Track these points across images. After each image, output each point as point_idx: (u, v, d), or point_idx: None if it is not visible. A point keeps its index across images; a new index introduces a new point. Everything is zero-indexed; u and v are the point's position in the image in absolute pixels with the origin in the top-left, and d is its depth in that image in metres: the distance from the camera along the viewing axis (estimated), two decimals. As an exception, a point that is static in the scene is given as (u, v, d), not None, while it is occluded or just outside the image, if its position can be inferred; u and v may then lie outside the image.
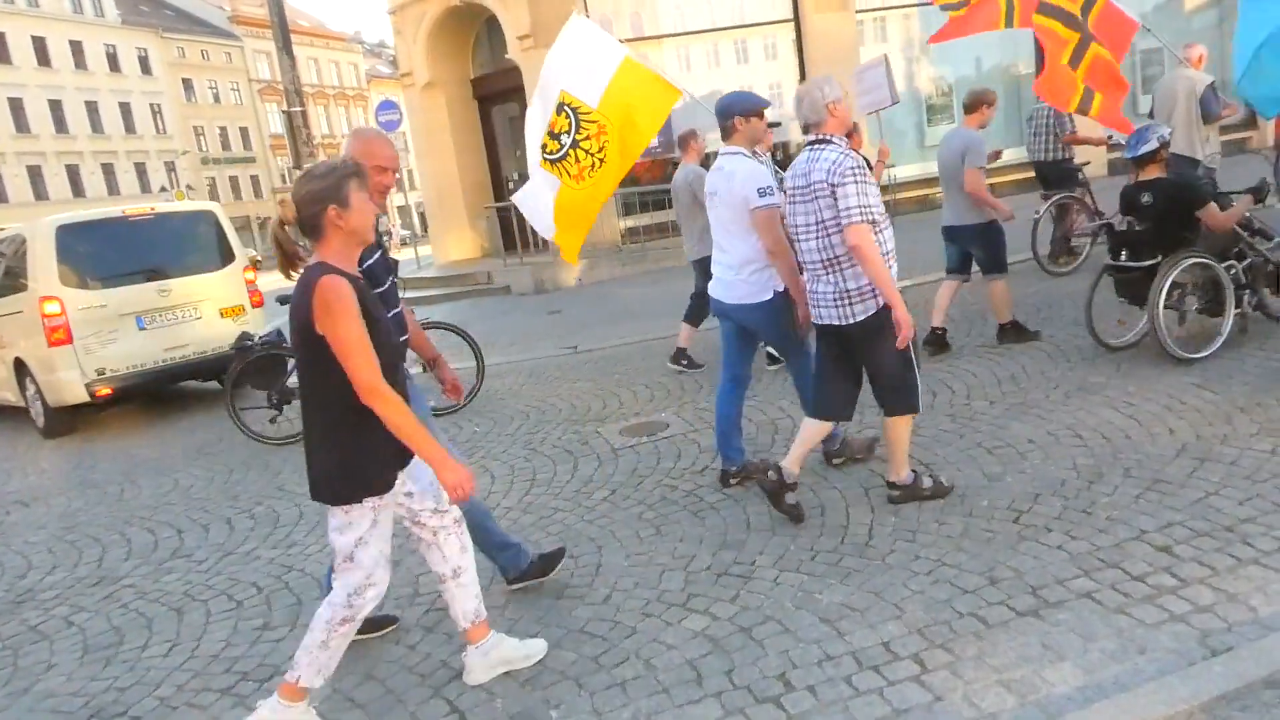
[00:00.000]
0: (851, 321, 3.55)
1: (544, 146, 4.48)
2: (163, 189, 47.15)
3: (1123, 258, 5.22)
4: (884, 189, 5.99)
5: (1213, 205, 4.94)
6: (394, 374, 2.55)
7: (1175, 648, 2.58)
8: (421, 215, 39.73)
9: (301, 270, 2.57)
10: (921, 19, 14.18)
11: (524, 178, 14.37)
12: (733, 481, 4.26)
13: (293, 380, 6.53)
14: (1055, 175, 7.97)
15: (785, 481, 3.71)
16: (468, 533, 2.96)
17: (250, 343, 6.55)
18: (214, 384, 8.82)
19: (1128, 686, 2.43)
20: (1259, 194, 5.11)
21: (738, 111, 4.02)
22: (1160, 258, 5.00)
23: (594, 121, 4.38)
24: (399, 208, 62.64)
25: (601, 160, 4.46)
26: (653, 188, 13.35)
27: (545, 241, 12.81)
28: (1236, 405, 4.30)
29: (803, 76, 13.44)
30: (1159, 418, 4.28)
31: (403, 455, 2.62)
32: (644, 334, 8.08)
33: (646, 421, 5.52)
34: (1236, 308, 5.10)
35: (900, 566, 3.25)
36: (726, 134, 4.06)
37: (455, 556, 2.87)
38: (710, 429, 5.16)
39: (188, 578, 4.15)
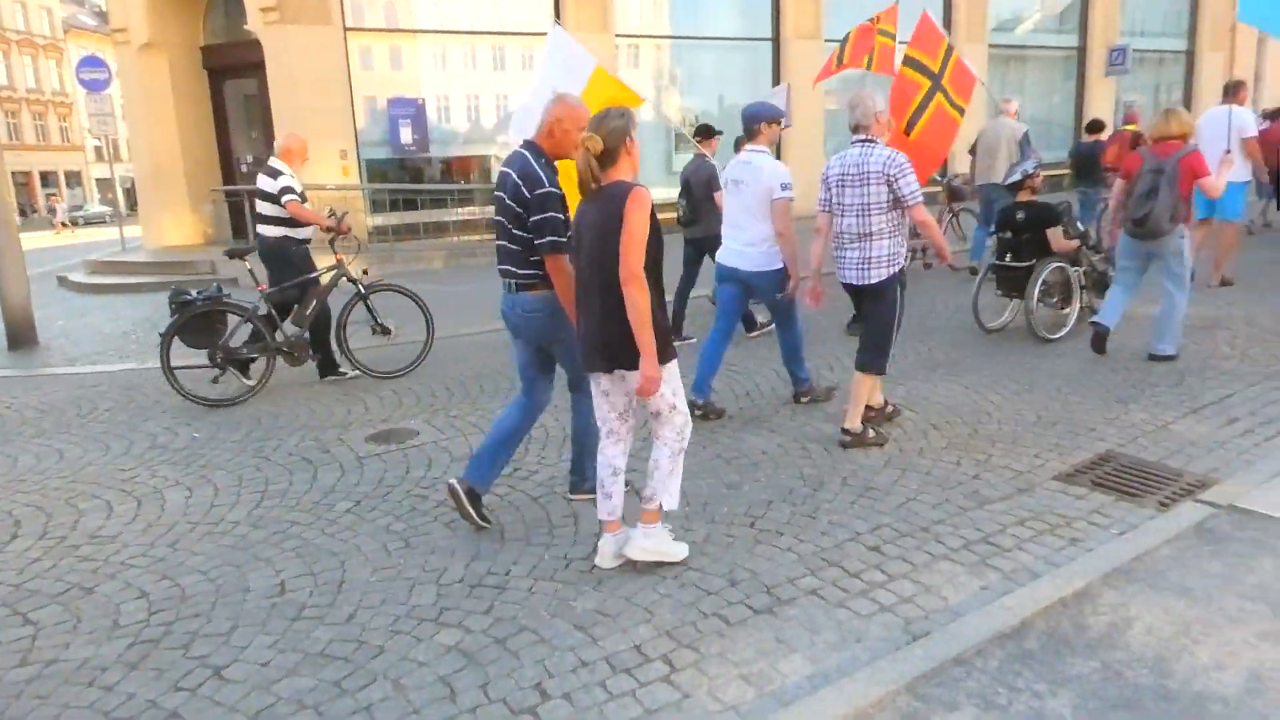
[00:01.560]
0: (867, 283, 4.51)
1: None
2: None
3: (1007, 259, 6.70)
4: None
5: (1059, 229, 6.51)
6: (659, 268, 3.24)
7: (885, 635, 2.91)
8: (129, 191, 35.28)
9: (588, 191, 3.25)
10: (673, 49, 14.93)
11: (259, 161, 13.26)
12: (697, 413, 5.10)
13: (235, 339, 6.21)
14: None
15: (864, 437, 4.60)
16: None
17: (189, 297, 5.93)
18: None
19: (847, 672, 2.69)
20: (1085, 238, 6.90)
21: (763, 118, 5.01)
22: (1035, 261, 6.52)
23: None
24: (99, 180, 55.27)
25: None
26: (404, 186, 12.88)
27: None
28: (930, 422, 4.95)
29: (559, 91, 13.65)
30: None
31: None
32: (392, 338, 7.73)
33: (395, 429, 5.29)
34: (1081, 304, 6.80)
35: (650, 572, 3.37)
36: (752, 135, 5.03)
37: None
38: (462, 436, 5.07)
39: None
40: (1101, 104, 18.95)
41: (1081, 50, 19.29)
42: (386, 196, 12.62)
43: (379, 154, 12.86)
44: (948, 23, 17.02)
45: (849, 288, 4.65)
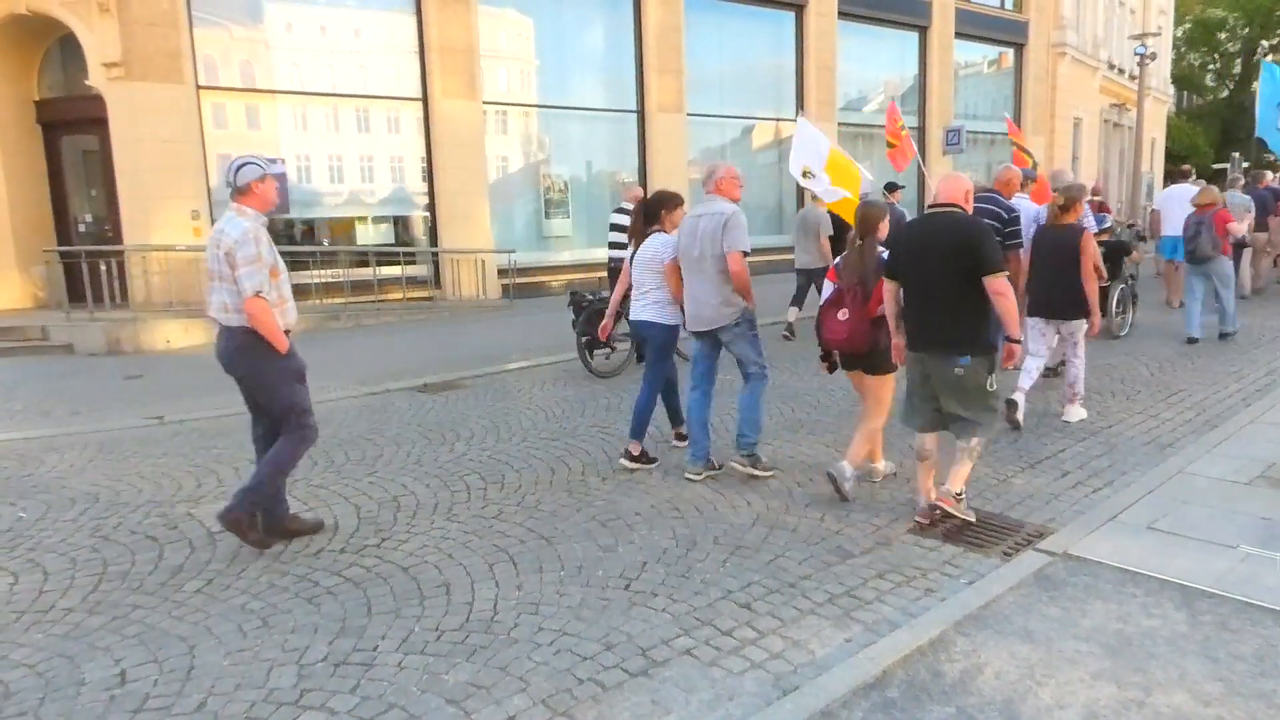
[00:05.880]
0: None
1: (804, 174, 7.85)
2: None
3: None
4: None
5: (1134, 254, 10.02)
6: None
7: (756, 691, 2.97)
8: (-54, 251, 32.24)
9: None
10: (540, 118, 15.22)
11: (98, 220, 12.49)
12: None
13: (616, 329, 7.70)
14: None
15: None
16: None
17: (588, 299, 8.38)
18: None
19: (722, 732, 2.73)
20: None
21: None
22: (1110, 281, 8.68)
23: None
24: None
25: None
26: (295, 248, 12.43)
27: (125, 294, 11.23)
28: (795, 480, 5.14)
29: (428, 154, 13.62)
30: (738, 492, 4.95)
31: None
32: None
33: (251, 501, 5.01)
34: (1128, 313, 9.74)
35: (525, 640, 3.33)
36: (893, 190, 9.30)
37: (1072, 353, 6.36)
38: (326, 506, 4.86)
39: None
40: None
41: (921, 130, 20.96)
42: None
43: (235, 214, 12.38)
44: (801, 101, 18.19)
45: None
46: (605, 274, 10.03)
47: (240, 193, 4.13)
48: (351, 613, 3.60)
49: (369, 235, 13.62)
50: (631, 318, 5.62)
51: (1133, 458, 5.41)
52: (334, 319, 11.99)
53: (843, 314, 4.68)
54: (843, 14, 18.53)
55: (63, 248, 12.06)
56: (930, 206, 4.41)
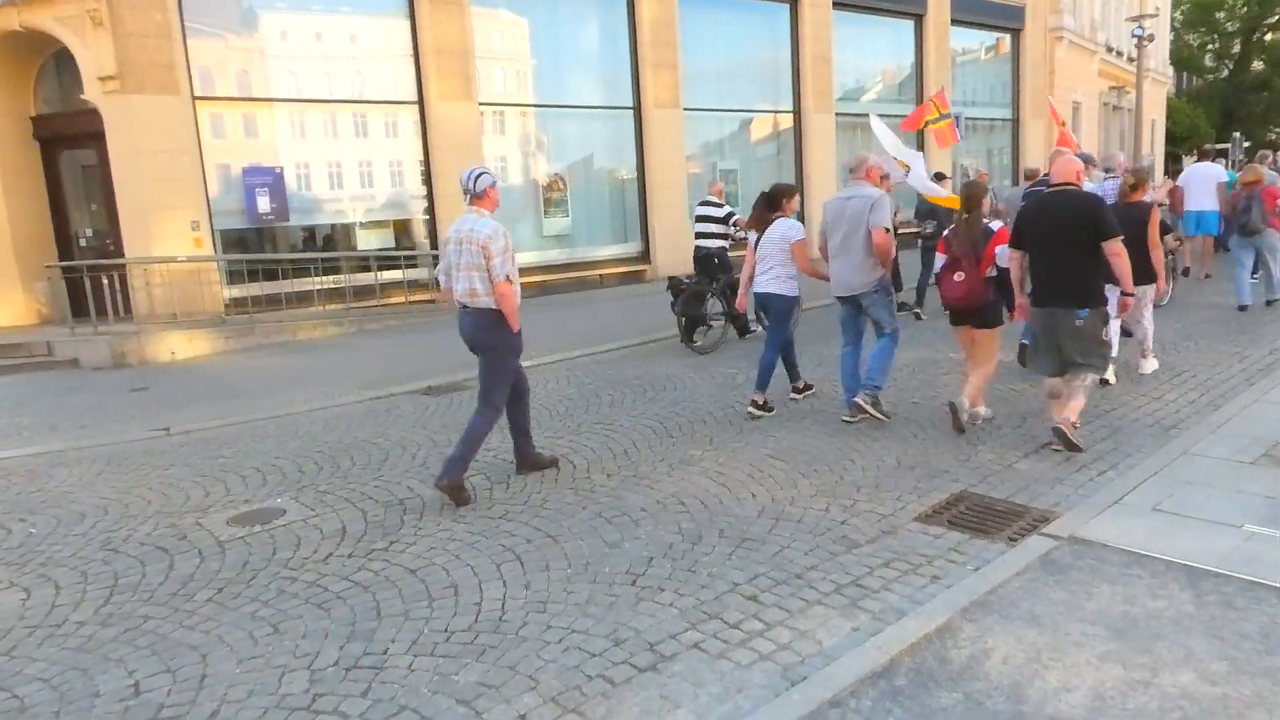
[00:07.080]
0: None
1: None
2: None
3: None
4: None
5: (1170, 235, 9.33)
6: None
7: (765, 683, 2.98)
8: (-50, 268, 32.30)
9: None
10: (538, 117, 15.22)
11: (99, 234, 12.51)
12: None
13: (710, 309, 9.31)
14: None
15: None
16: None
17: (684, 284, 9.18)
18: None
19: (731, 724, 2.74)
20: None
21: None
22: None
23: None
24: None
25: None
26: (263, 255, 12.46)
27: (128, 307, 11.26)
28: (800, 471, 5.15)
29: (426, 157, 13.64)
30: (744, 484, 4.97)
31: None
32: (254, 413, 7.41)
33: (259, 509, 5.03)
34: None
35: (534, 638, 3.35)
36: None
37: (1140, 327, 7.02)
38: (333, 512, 4.88)
39: None
40: (941, 165, 20.52)
41: (919, 119, 20.91)
42: (244, 267, 12.14)
43: (234, 223, 12.39)
44: (797, 93, 18.16)
45: None
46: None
47: (478, 197, 4.88)
48: (361, 617, 3.62)
49: (370, 240, 13.63)
50: (756, 290, 6.57)
51: (1136, 440, 5.41)
52: (337, 325, 12.02)
53: (958, 276, 5.55)
54: (837, 4, 18.46)
55: (64, 263, 12.08)
56: (1049, 186, 5.29)
